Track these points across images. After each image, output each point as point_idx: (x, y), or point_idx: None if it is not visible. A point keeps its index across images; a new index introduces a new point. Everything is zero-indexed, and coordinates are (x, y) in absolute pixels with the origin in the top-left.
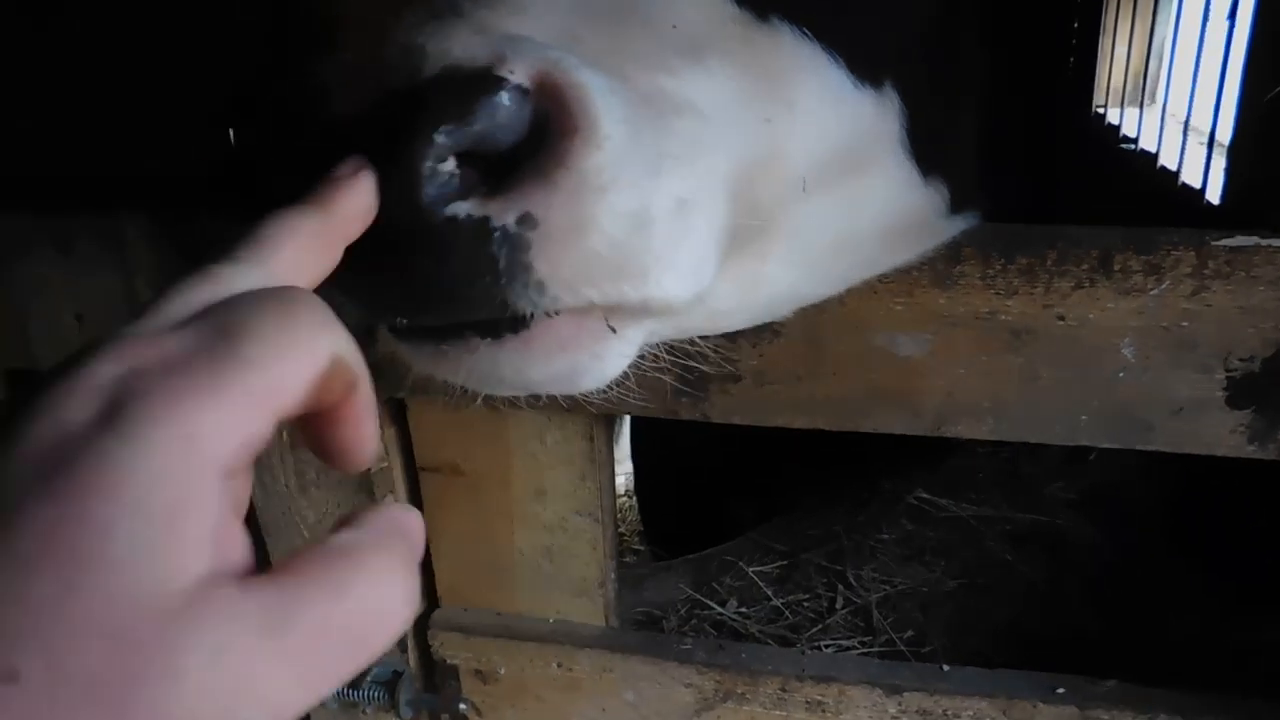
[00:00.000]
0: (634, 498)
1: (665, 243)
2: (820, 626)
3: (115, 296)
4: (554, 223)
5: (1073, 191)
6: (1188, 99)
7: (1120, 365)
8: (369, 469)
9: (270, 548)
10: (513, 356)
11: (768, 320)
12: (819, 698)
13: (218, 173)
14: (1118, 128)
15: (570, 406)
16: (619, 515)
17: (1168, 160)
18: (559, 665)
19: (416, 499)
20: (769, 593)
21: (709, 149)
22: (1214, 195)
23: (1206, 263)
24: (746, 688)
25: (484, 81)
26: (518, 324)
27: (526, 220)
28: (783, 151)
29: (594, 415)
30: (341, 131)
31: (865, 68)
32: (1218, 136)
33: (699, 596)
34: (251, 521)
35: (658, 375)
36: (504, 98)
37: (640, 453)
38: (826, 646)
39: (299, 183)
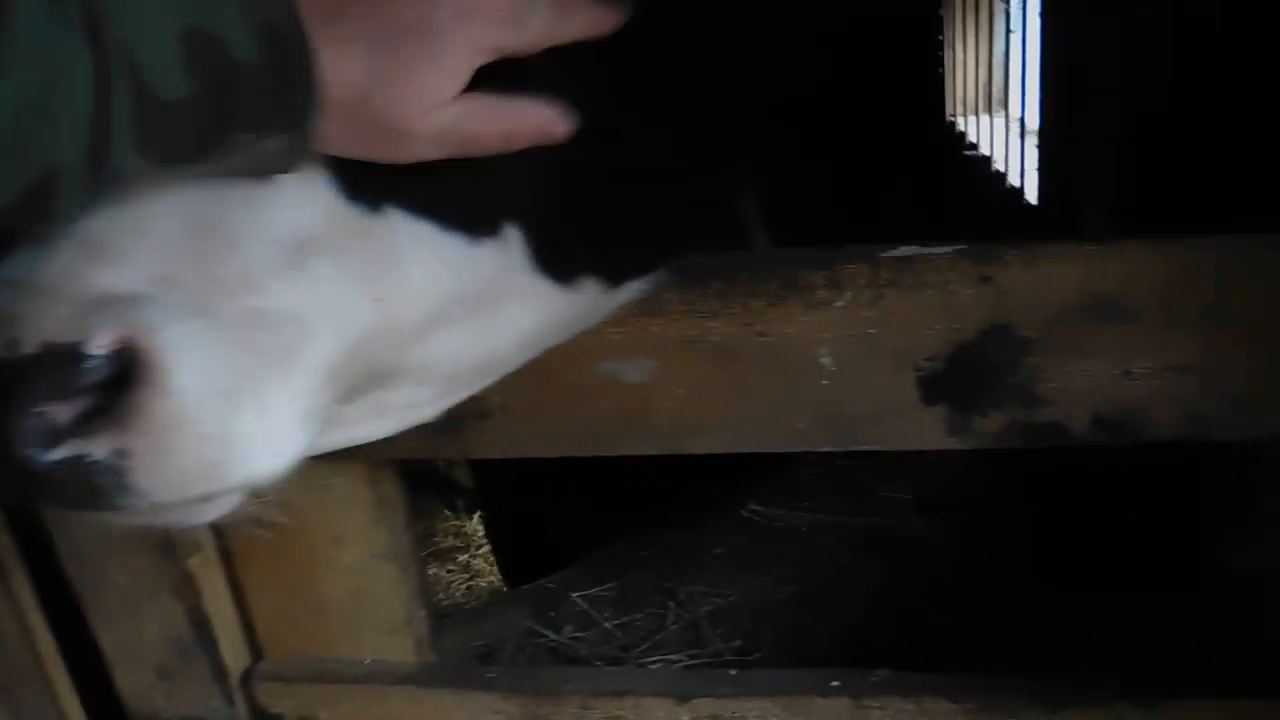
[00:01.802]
0: None
1: (248, 446)
2: (650, 644)
3: None
4: (141, 453)
5: (923, 199)
6: (1020, 103)
7: (822, 374)
8: (171, 531)
9: (86, 608)
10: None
11: (415, 424)
12: (617, 711)
13: None
14: (963, 135)
15: (345, 455)
16: None
17: (1001, 164)
18: (375, 705)
19: (226, 554)
20: (601, 616)
21: (303, 349)
22: (1032, 195)
23: (879, 273)
24: (551, 709)
25: (72, 358)
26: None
27: (119, 453)
28: (397, 320)
29: (372, 461)
30: None
31: (479, 225)
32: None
33: (535, 626)
34: (66, 585)
35: None
36: (89, 364)
37: (482, 486)
38: (655, 663)
39: None
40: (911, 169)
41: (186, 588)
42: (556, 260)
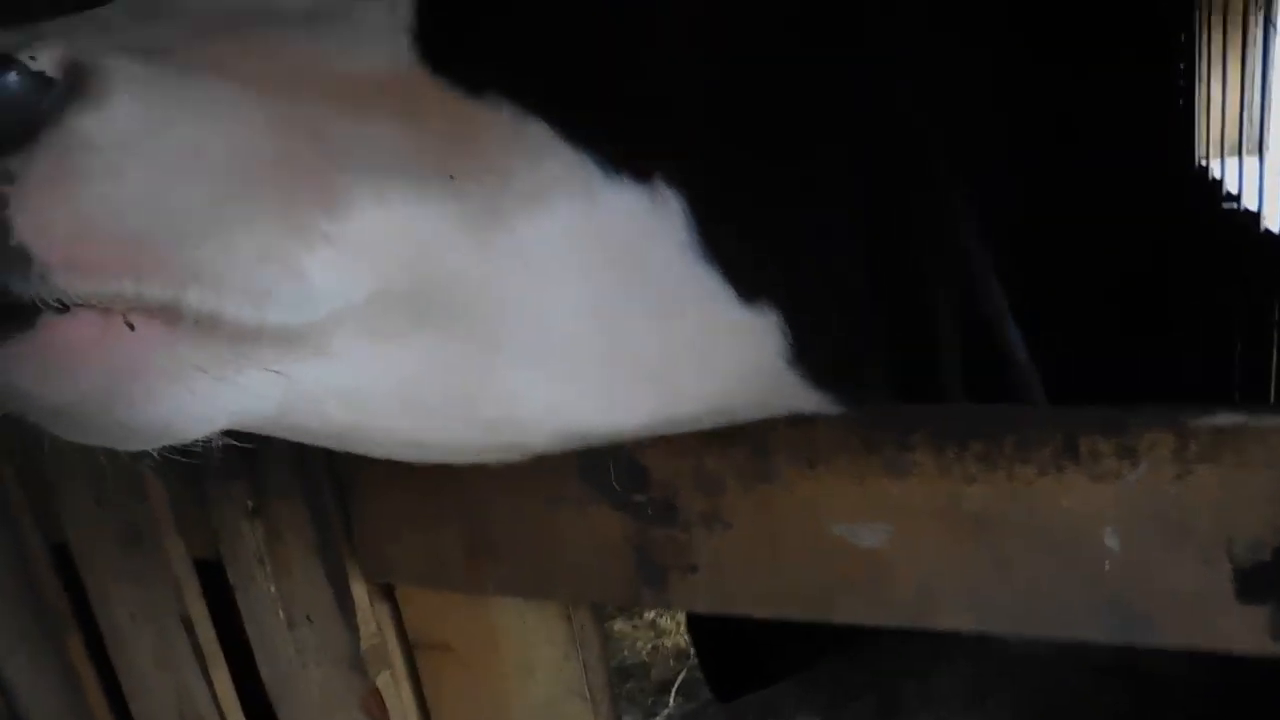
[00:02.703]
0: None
1: (218, 225)
2: None
3: None
4: (34, 175)
5: (1178, 259)
6: None
7: (1106, 556)
8: (362, 646)
9: (281, 714)
10: (17, 366)
11: (523, 443)
12: None
13: None
14: (1221, 183)
15: (540, 593)
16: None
17: (1272, 219)
18: None
19: (414, 675)
20: None
21: (339, 176)
22: None
23: (1188, 444)
24: None
25: None
26: (22, 320)
27: (3, 175)
28: (480, 216)
29: (569, 599)
30: None
31: (621, 159)
32: None
33: None
34: (263, 693)
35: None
36: (11, 78)
37: None
38: None
39: None
40: (1160, 225)
41: (375, 704)
42: (733, 253)
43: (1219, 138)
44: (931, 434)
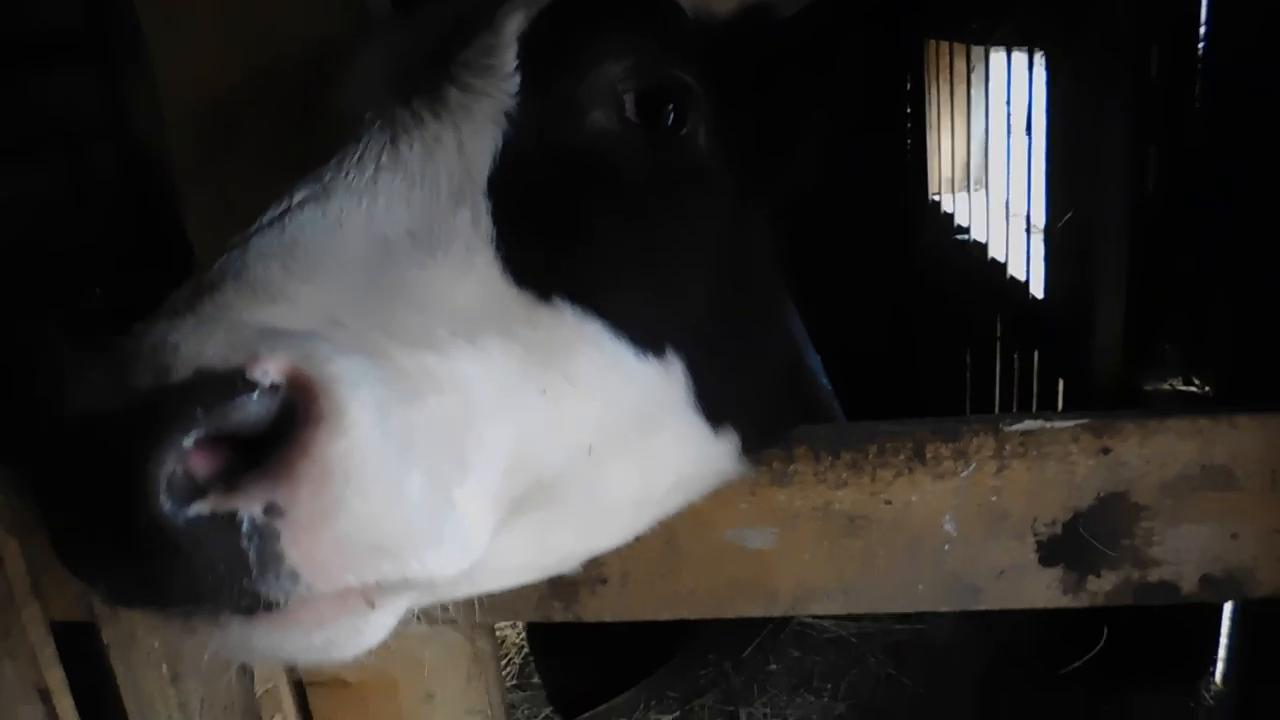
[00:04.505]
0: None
1: (425, 520)
2: None
3: None
4: (301, 510)
5: (920, 289)
6: (1005, 184)
7: (945, 539)
8: (255, 693)
9: None
10: (266, 633)
11: (557, 573)
12: None
13: None
14: (953, 216)
15: (447, 619)
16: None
17: (997, 248)
18: None
19: (307, 716)
20: None
21: (476, 424)
22: (1037, 288)
23: (1004, 445)
24: None
25: (234, 383)
26: (272, 603)
27: (273, 510)
28: (562, 420)
29: (473, 624)
30: (74, 429)
31: (646, 339)
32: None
33: None
34: None
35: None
36: (254, 397)
37: None
38: None
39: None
40: (901, 256)
41: None
42: (710, 399)
43: (950, 176)
44: (811, 447)
